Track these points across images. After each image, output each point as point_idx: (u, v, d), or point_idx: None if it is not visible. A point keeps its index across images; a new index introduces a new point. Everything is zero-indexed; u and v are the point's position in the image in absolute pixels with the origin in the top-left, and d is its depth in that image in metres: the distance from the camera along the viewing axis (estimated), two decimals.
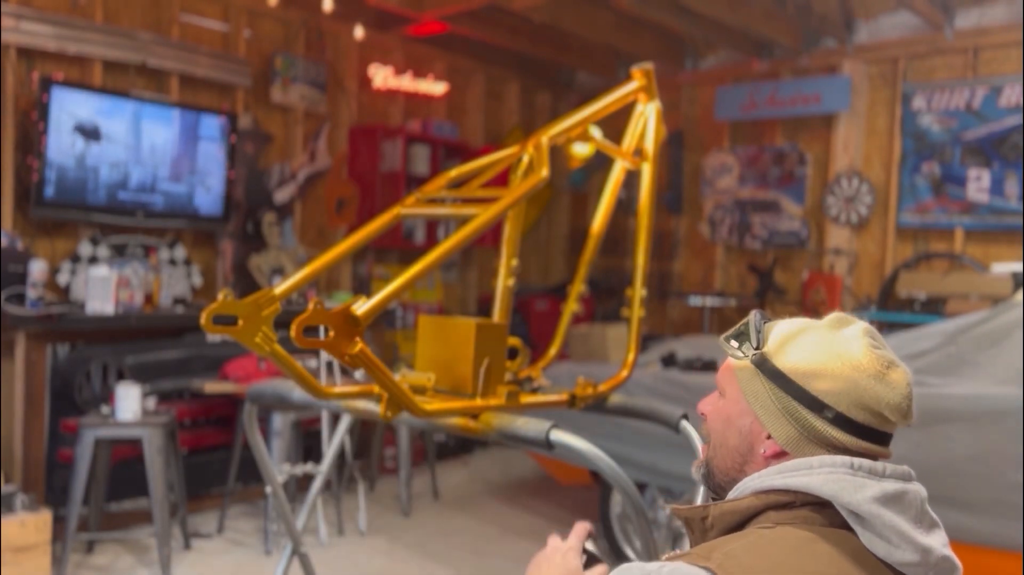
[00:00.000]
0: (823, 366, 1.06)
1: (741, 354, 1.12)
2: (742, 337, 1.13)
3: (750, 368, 1.11)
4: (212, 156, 4.81)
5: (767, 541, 1.00)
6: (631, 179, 2.28)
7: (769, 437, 1.09)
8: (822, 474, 1.03)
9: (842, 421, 1.05)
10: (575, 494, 5.00)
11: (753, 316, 1.13)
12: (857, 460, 1.04)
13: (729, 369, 1.15)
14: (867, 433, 1.06)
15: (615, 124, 2.27)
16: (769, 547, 0.99)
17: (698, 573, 0.96)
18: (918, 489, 1.06)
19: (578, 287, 2.24)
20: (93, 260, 4.43)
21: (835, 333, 1.10)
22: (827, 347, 1.07)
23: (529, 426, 1.62)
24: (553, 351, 2.23)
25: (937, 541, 1.03)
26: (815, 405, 1.05)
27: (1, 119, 4.12)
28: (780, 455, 1.08)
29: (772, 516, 1.04)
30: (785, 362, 1.08)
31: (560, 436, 1.59)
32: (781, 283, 6.23)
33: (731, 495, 1.11)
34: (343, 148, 5.79)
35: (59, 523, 3.71)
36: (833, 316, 1.14)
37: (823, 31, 5.84)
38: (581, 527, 1.32)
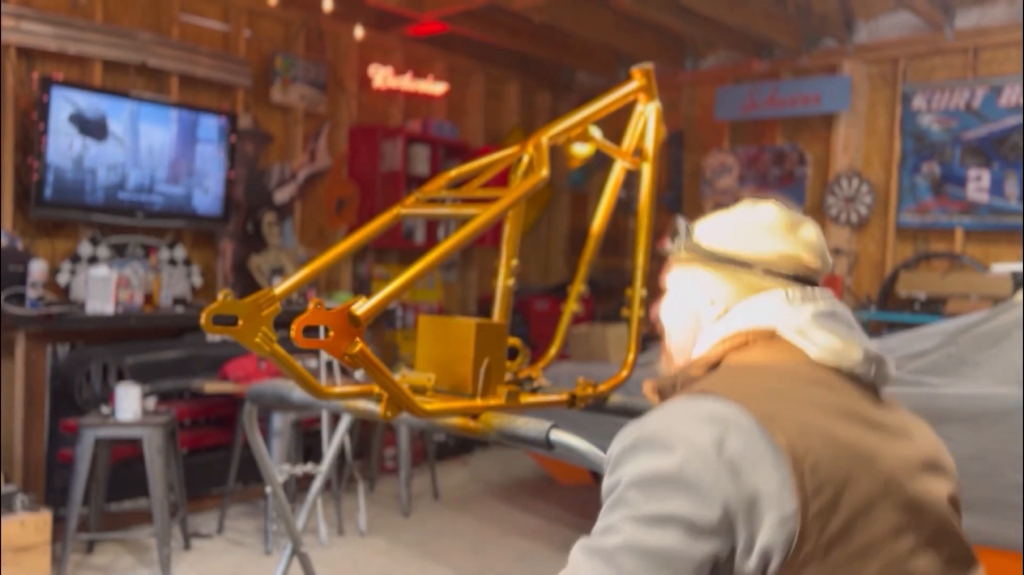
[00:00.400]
0: (743, 233, 1.23)
1: (677, 246, 1.30)
2: (674, 237, 1.31)
3: (684, 255, 1.28)
4: (212, 156, 4.81)
5: (737, 369, 1.14)
6: (631, 179, 2.28)
7: (712, 303, 1.24)
8: (764, 309, 1.18)
9: (770, 273, 1.20)
10: (575, 494, 5.00)
11: (678, 220, 1.32)
12: (790, 291, 1.18)
13: (669, 268, 1.33)
14: (793, 279, 1.20)
15: (615, 124, 2.27)
16: (740, 372, 1.13)
17: (699, 399, 1.05)
18: (844, 307, 1.21)
19: (578, 287, 2.24)
20: (93, 260, 4.43)
21: (749, 209, 1.26)
22: (744, 219, 1.25)
23: (529, 426, 1.62)
24: (553, 351, 2.23)
25: (870, 342, 1.18)
26: (743, 265, 1.21)
27: (1, 119, 4.12)
28: (724, 314, 1.23)
29: (732, 358, 1.17)
30: (711, 240, 1.26)
31: (560, 436, 1.59)
32: None
33: (692, 356, 1.26)
34: (343, 148, 5.79)
35: (59, 523, 3.71)
36: (744, 200, 1.30)
37: (823, 31, 5.84)
38: None
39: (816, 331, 1.15)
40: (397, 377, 1.66)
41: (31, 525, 3.48)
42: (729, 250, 1.23)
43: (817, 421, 1.03)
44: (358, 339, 1.40)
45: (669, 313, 1.33)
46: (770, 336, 1.16)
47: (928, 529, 1.05)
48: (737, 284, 1.22)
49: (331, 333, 1.38)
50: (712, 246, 1.25)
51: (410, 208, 1.95)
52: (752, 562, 0.96)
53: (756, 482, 0.96)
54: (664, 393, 1.23)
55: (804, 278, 1.21)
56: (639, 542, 0.96)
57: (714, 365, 1.18)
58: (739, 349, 1.17)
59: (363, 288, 5.87)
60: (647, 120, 2.21)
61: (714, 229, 1.27)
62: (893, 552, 1.00)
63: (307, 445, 4.65)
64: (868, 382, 1.16)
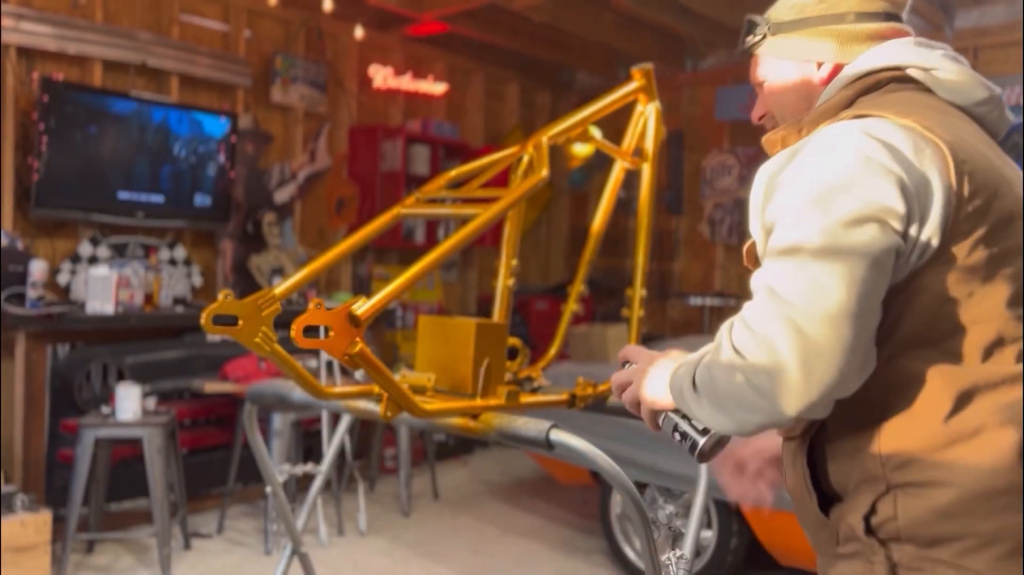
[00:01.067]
0: None
1: (758, 36, 1.31)
2: (750, 28, 1.33)
3: (770, 40, 1.29)
4: (212, 156, 4.81)
5: (877, 102, 1.13)
6: (631, 179, 2.28)
7: (820, 65, 1.24)
8: (893, 50, 1.19)
9: (863, 16, 1.22)
10: (575, 494, 5.00)
11: (748, 18, 1.35)
12: (915, 38, 1.21)
13: (755, 60, 1.33)
14: (885, 16, 1.23)
15: (615, 124, 2.27)
16: (881, 102, 1.13)
17: (853, 121, 1.07)
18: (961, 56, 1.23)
19: (578, 287, 2.24)
20: (93, 260, 4.43)
21: None
22: None
23: (529, 426, 1.62)
24: (553, 351, 2.23)
25: (993, 85, 1.21)
26: (834, 19, 1.22)
27: (1, 119, 4.12)
28: (835, 70, 1.23)
29: (864, 100, 1.16)
30: (790, 12, 1.27)
31: (560, 436, 1.59)
32: None
33: (817, 103, 1.23)
34: (343, 148, 5.79)
35: (59, 523, 3.71)
36: None
37: None
38: None
39: (945, 70, 1.17)
40: (397, 377, 1.66)
41: (31, 525, 3.48)
42: (813, 11, 1.24)
43: (968, 140, 1.09)
44: (358, 339, 1.40)
45: (774, 100, 1.31)
46: (900, 77, 1.17)
47: None
48: (838, 39, 1.23)
49: (331, 333, 1.38)
50: (794, 15, 1.26)
51: (410, 208, 1.95)
52: (915, 252, 1.03)
53: (926, 171, 1.03)
54: (787, 139, 1.21)
55: (893, 15, 1.23)
56: (838, 244, 0.99)
57: (843, 108, 1.16)
58: (870, 91, 1.17)
59: (363, 288, 5.87)
60: (647, 120, 2.21)
61: (784, 5, 1.29)
62: (1021, 263, 1.07)
63: (307, 445, 4.65)
64: (990, 126, 1.20)
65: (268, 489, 3.87)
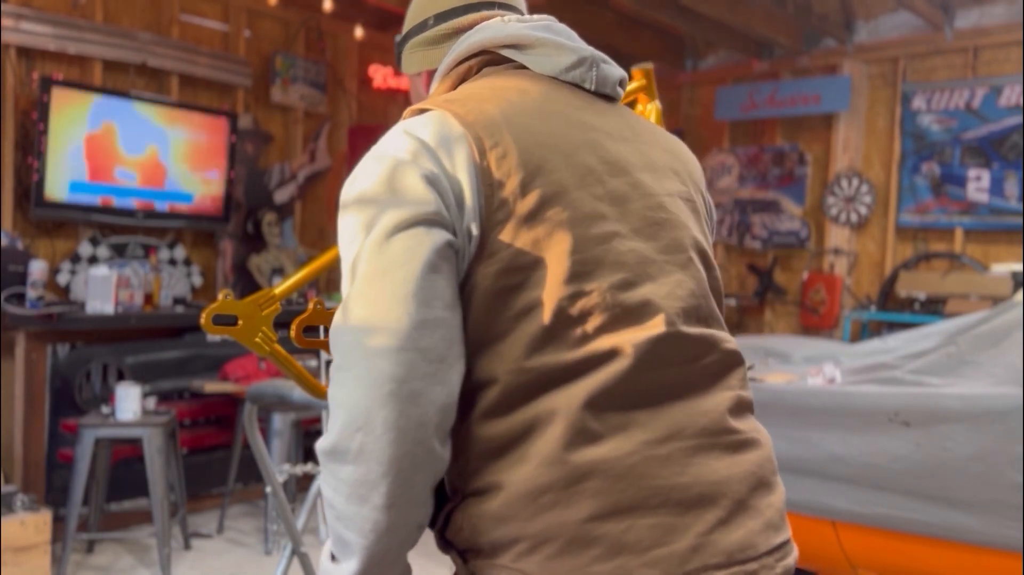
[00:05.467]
0: (418, 6, 1.27)
1: (398, 52, 1.32)
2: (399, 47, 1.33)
3: (402, 58, 1.30)
4: (212, 156, 4.81)
5: (454, 92, 1.13)
6: None
7: (418, 74, 1.28)
8: (477, 34, 1.18)
9: (441, 16, 1.24)
10: None
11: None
12: (506, 16, 1.20)
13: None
14: (465, 9, 1.23)
15: None
16: (454, 93, 1.12)
17: (401, 123, 1.07)
18: (561, 25, 1.20)
19: None
20: (93, 260, 4.43)
21: None
22: None
23: None
24: None
25: (590, 50, 1.18)
26: (419, 29, 1.26)
27: (1, 119, 4.12)
28: (428, 78, 1.27)
29: (462, 88, 1.15)
30: (403, 31, 1.30)
31: None
32: (781, 283, 6.23)
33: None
34: (343, 148, 5.79)
35: (59, 523, 3.71)
36: None
37: (823, 31, 5.84)
38: None
39: (533, 43, 1.15)
40: None
41: (31, 525, 3.48)
42: (408, 27, 1.28)
43: (514, 119, 1.04)
44: None
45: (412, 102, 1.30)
46: (490, 60, 1.17)
47: (642, 219, 1.07)
48: (423, 46, 1.26)
49: None
50: (400, 37, 1.30)
51: None
52: (471, 244, 0.99)
53: (455, 160, 1.00)
54: None
55: (483, 3, 1.23)
56: (379, 258, 0.95)
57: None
58: (466, 80, 1.18)
59: None
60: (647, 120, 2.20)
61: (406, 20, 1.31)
62: (587, 234, 1.01)
63: (307, 445, 4.65)
64: (592, 86, 1.16)
65: (268, 489, 3.87)
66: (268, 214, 5.19)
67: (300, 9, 5.35)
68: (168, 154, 4.63)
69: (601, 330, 0.99)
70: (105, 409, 3.78)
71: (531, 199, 1.00)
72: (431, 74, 1.26)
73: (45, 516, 3.53)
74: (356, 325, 0.94)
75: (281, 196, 5.36)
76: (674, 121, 6.63)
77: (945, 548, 2.88)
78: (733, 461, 1.01)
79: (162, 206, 4.62)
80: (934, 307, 5.32)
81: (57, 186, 4.18)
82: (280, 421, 4.22)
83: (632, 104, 2.26)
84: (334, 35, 5.67)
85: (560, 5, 5.49)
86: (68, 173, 4.22)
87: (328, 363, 4.54)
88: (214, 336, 4.45)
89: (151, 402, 3.87)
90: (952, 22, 5.44)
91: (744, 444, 1.04)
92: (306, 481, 4.49)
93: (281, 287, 1.53)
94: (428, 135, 1.02)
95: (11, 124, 4.15)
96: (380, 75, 5.86)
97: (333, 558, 1.04)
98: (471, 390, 0.99)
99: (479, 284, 0.98)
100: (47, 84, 4.08)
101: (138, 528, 4.15)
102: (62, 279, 4.34)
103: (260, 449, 2.30)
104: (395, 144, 1.03)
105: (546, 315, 0.98)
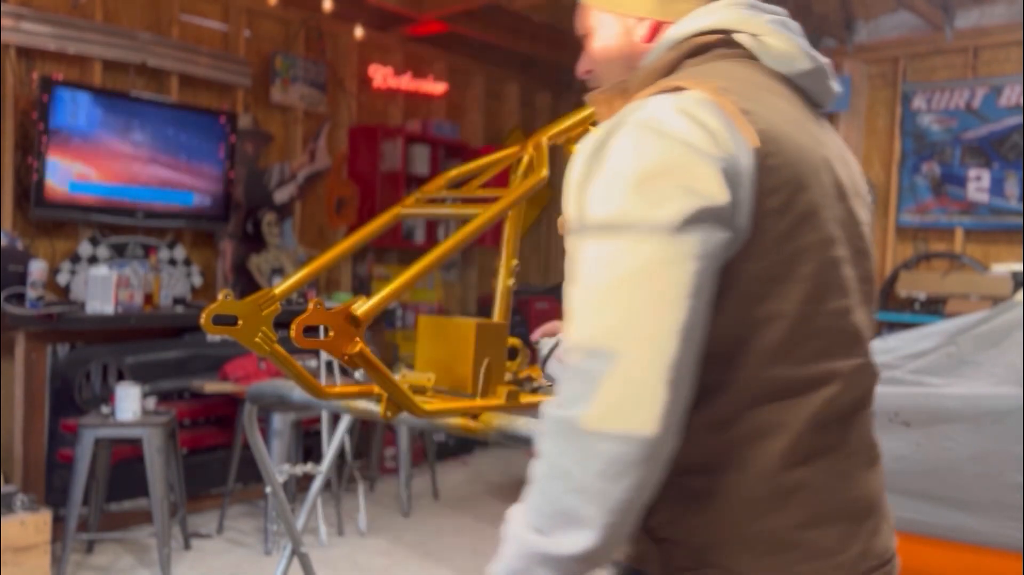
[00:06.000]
0: None
1: None
2: None
3: None
4: (212, 156, 4.81)
5: (701, 71, 1.07)
6: None
7: (640, 21, 1.15)
8: (727, 12, 1.12)
9: None
10: None
11: None
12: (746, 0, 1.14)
13: (582, 9, 1.22)
14: None
15: None
16: (705, 73, 1.06)
17: (671, 95, 1.00)
18: (794, 23, 1.17)
19: None
20: (93, 260, 4.43)
21: None
22: None
23: (529, 426, 1.62)
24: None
25: (820, 55, 1.15)
26: None
27: (1, 119, 4.12)
28: (656, 28, 1.15)
29: (690, 63, 1.10)
30: None
31: None
32: None
33: (643, 63, 1.15)
34: (343, 148, 5.79)
35: (59, 523, 3.71)
36: None
37: (823, 31, 5.83)
38: None
39: (772, 35, 1.10)
40: (397, 377, 1.66)
41: (31, 525, 3.48)
42: None
43: (780, 126, 1.02)
44: (358, 339, 1.40)
45: (600, 58, 1.22)
46: (726, 41, 1.11)
47: (853, 247, 1.09)
48: None
49: (331, 333, 1.38)
50: None
51: (410, 208, 1.95)
52: (735, 246, 0.97)
53: (739, 158, 0.97)
54: (613, 102, 1.14)
55: None
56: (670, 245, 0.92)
57: (668, 72, 1.11)
58: (695, 55, 1.11)
59: (363, 288, 5.87)
60: None
61: None
62: (826, 257, 1.03)
63: (307, 445, 4.65)
64: (814, 97, 1.15)
65: (268, 489, 3.87)
66: (268, 214, 5.19)
67: (300, 9, 5.35)
68: (168, 154, 4.63)
69: (824, 353, 1.04)
70: (105, 409, 3.78)
71: (791, 215, 0.99)
72: (656, 27, 1.15)
73: (45, 516, 3.53)
74: (638, 302, 0.92)
75: (281, 196, 5.36)
76: None
77: (945, 548, 2.88)
78: (876, 472, 1.12)
79: (162, 206, 4.62)
80: (934, 307, 5.32)
81: (57, 186, 4.18)
82: (280, 421, 4.22)
83: None
84: (334, 35, 5.67)
85: (560, 5, 5.49)
86: (68, 173, 4.22)
87: (328, 363, 4.52)
88: (214, 336, 4.46)
89: (151, 402, 3.87)
90: (952, 22, 5.44)
91: (878, 456, 1.14)
92: (306, 481, 4.49)
93: (281, 287, 1.53)
94: (714, 123, 0.97)
95: (11, 124, 4.15)
96: (380, 75, 5.86)
97: (539, 531, 0.96)
98: (704, 391, 1.00)
99: (732, 286, 0.99)
100: (47, 84, 4.08)
101: (138, 528, 4.15)
102: (62, 279, 4.34)
103: (260, 449, 2.30)
104: (677, 123, 0.96)
105: (784, 330, 1.00)
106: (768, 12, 1.13)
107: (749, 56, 1.11)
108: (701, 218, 0.93)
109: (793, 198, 0.99)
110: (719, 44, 1.11)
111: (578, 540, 0.92)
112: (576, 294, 0.97)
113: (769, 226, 0.98)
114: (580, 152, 1.03)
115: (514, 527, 0.98)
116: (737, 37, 1.11)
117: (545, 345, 1.70)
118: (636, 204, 0.94)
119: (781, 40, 1.11)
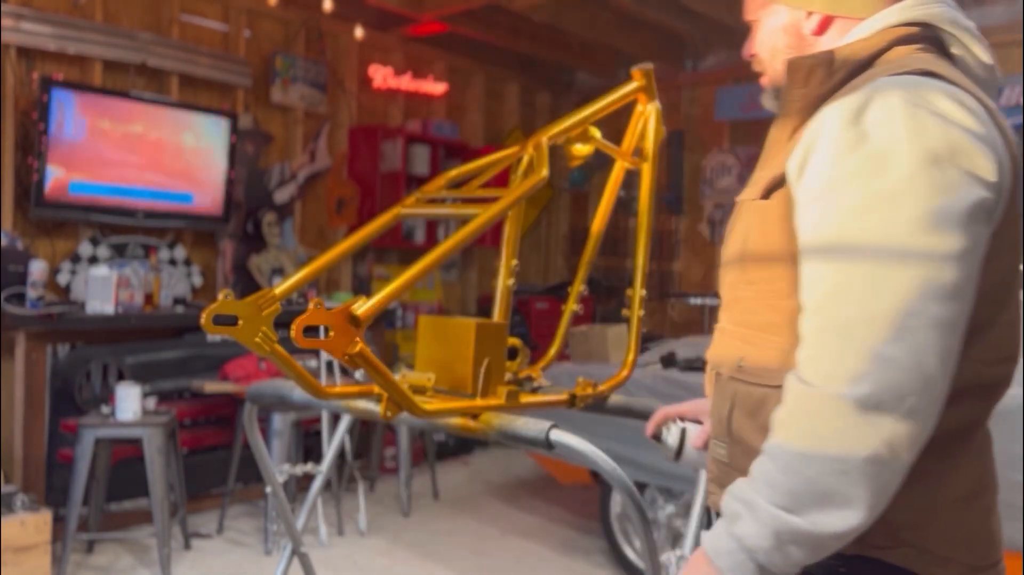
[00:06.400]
0: None
1: None
2: None
3: None
4: (212, 156, 4.81)
5: (921, 57, 1.07)
6: (631, 179, 2.28)
7: (810, 14, 1.15)
8: (933, 5, 1.11)
9: None
10: (575, 494, 4.99)
11: None
12: None
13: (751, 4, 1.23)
14: None
15: (615, 124, 2.27)
16: (914, 56, 1.06)
17: (921, 77, 1.01)
18: None
19: (578, 287, 2.24)
20: (93, 260, 4.43)
21: None
22: None
23: (529, 426, 1.62)
24: (553, 351, 2.23)
25: None
26: None
27: (1, 119, 4.12)
28: (827, 22, 1.15)
29: (898, 51, 1.08)
30: None
31: (560, 436, 1.59)
32: None
33: (846, 40, 1.13)
34: (343, 148, 5.79)
35: (59, 523, 3.71)
36: None
37: None
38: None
39: (975, 44, 1.11)
40: (397, 377, 1.66)
41: (31, 525, 3.48)
42: None
43: (1004, 129, 1.04)
44: (358, 339, 1.40)
45: (766, 41, 1.23)
46: (930, 40, 1.11)
47: None
48: None
49: (331, 333, 1.38)
50: None
51: (410, 208, 1.95)
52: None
53: (997, 145, 0.98)
54: (814, 73, 1.09)
55: None
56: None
57: (875, 55, 1.09)
58: (904, 43, 1.09)
59: (363, 288, 5.87)
60: (647, 120, 2.20)
61: None
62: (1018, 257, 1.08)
63: (307, 445, 4.65)
64: (991, 92, 1.15)
65: (268, 489, 3.87)
66: (268, 214, 5.19)
67: (300, 9, 5.35)
68: (168, 154, 4.63)
69: (1013, 346, 1.10)
70: (105, 409, 3.78)
71: (1012, 213, 1.03)
72: (827, 21, 1.14)
73: (45, 516, 3.53)
74: (921, 287, 0.92)
75: (281, 196, 5.36)
76: (674, 121, 6.63)
77: None
78: None
79: (162, 206, 4.62)
80: None
81: (57, 186, 4.18)
82: (280, 421, 4.22)
83: (632, 105, 2.26)
84: (334, 35, 5.67)
85: (560, 5, 5.49)
86: (68, 173, 4.22)
87: (328, 363, 4.52)
88: (214, 336, 4.47)
89: (151, 402, 3.87)
90: None
91: None
92: (306, 481, 4.49)
93: (281, 287, 1.53)
94: (978, 109, 0.99)
95: (11, 124, 4.15)
96: (380, 75, 5.87)
97: (788, 510, 0.95)
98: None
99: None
100: (47, 84, 4.08)
101: (138, 528, 4.15)
102: (62, 279, 4.34)
103: (260, 449, 2.30)
104: (949, 107, 0.97)
105: (997, 327, 1.05)
106: (962, 12, 1.14)
107: (946, 54, 1.11)
108: (986, 206, 0.96)
109: (1010, 197, 1.02)
110: (920, 38, 1.10)
111: (841, 520, 0.93)
112: (853, 265, 0.95)
113: (1009, 216, 1.02)
114: (830, 117, 1.00)
115: (758, 503, 0.96)
116: (941, 31, 1.11)
117: (672, 434, 1.62)
118: (924, 185, 0.92)
119: (983, 52, 1.12)
